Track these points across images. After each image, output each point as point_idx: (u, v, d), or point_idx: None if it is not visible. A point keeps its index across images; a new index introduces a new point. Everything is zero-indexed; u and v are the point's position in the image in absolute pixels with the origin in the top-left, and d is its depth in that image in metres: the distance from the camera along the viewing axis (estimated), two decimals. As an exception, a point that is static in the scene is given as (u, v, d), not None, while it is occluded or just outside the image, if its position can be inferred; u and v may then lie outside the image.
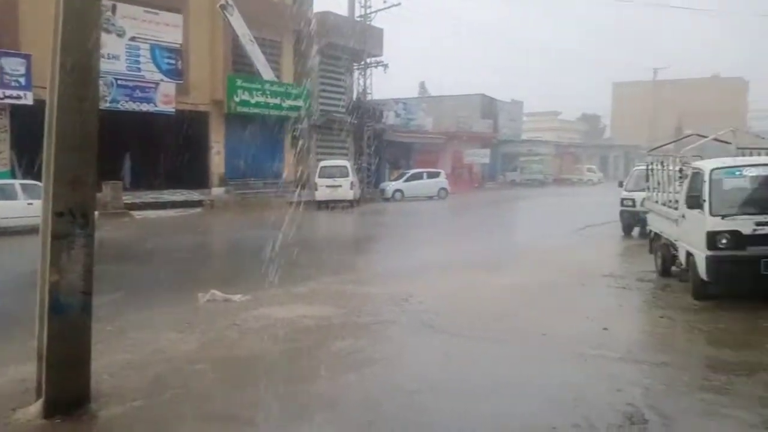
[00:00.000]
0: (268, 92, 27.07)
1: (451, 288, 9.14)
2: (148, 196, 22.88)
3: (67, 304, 4.30)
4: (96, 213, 5.02)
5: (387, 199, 30.77)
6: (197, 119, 24.97)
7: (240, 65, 26.67)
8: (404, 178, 32.51)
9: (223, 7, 25.02)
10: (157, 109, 22.99)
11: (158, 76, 23.07)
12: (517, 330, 6.81)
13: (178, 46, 23.63)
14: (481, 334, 6.68)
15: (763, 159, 8.95)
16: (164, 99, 23.19)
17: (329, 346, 6.17)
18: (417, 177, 32.49)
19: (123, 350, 5.95)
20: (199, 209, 22.74)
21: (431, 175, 33.06)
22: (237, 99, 25.89)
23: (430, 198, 31.34)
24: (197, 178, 25.18)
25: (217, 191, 25.65)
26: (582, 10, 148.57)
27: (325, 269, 10.57)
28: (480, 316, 7.42)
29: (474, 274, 10.42)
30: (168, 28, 23.33)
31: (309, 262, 11.01)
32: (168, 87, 23.32)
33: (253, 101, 26.42)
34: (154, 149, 23.29)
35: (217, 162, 26.44)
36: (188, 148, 24.07)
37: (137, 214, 20.44)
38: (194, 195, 24.14)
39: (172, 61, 23.56)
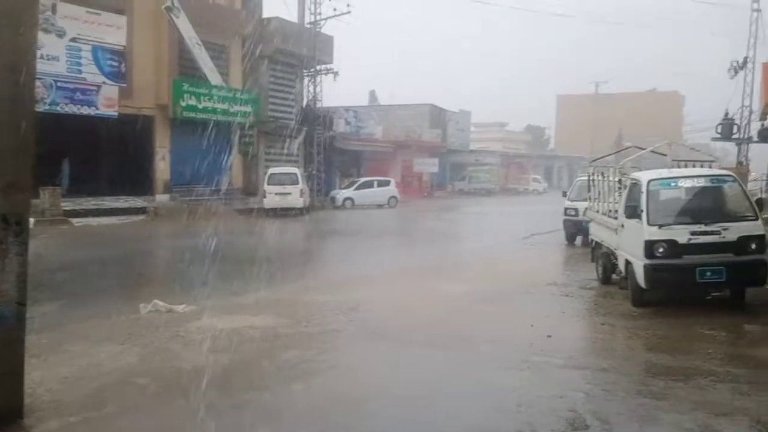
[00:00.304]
0: (215, 97, 26.63)
1: (400, 296, 9.19)
2: (89, 203, 22.11)
3: (0, 315, 4.11)
4: (32, 220, 4.82)
5: (337, 207, 30.70)
6: (141, 124, 24.30)
7: (187, 69, 26.16)
8: (355, 186, 32.51)
9: (169, 9, 24.50)
10: (98, 112, 22.27)
11: (100, 78, 22.37)
12: (465, 337, 6.89)
13: (121, 48, 22.99)
14: (428, 342, 6.72)
15: (696, 171, 9.37)
16: (106, 102, 22.50)
17: (276, 357, 6.09)
18: (367, 185, 32.55)
19: (59, 363, 5.71)
20: (142, 216, 22.11)
21: (381, 184, 33.18)
22: (183, 104, 25.36)
23: (381, 206, 31.44)
24: (141, 184, 24.50)
25: (161, 198, 25.01)
26: (527, 25, 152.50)
27: (272, 278, 10.43)
28: (428, 324, 7.47)
29: (423, 281, 10.51)
30: (111, 30, 22.67)
31: (256, 271, 10.84)
32: (110, 90, 22.64)
33: (200, 106, 25.93)
34: (96, 154, 22.57)
35: (162, 168, 25.80)
36: (132, 154, 23.43)
37: (77, 222, 19.72)
38: (138, 202, 23.47)
39: (115, 64, 22.90)
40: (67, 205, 20.68)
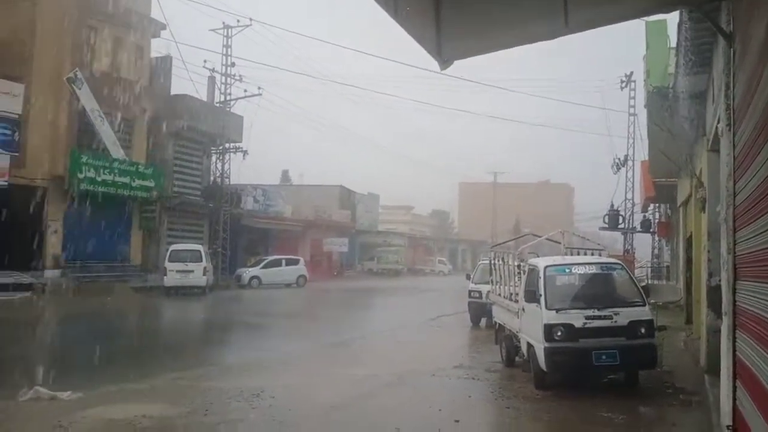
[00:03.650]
0: (116, 170, 25.71)
1: (305, 381, 8.90)
2: (-34, 278, 20.23)
3: None
4: None
5: (243, 286, 29.84)
6: (33, 195, 22.93)
7: (86, 141, 25.22)
8: (262, 264, 31.86)
9: (71, 80, 23.84)
10: (-14, 182, 20.87)
11: (-9, 146, 21.13)
12: (372, 423, 6.74)
13: (15, 116, 21.92)
14: (333, 429, 6.50)
15: (588, 258, 9.97)
16: (-4, 171, 21.16)
17: (170, 450, 5.66)
18: (275, 264, 32.00)
19: None
20: (28, 293, 20.42)
21: (290, 262, 32.72)
22: (81, 175, 24.27)
23: (289, 285, 30.88)
24: (29, 258, 22.74)
25: (51, 274, 23.33)
26: (430, 117, 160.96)
27: (169, 362, 9.86)
28: (333, 409, 7.25)
29: (329, 365, 10.27)
30: (6, 97, 21.65)
31: (151, 355, 10.23)
32: (1, 159, 21.37)
33: (99, 179, 24.90)
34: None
35: (53, 242, 24.24)
36: (21, 226, 21.89)
37: (-51, 299, 17.93)
38: (24, 278, 21.70)
39: (8, 132, 21.74)
40: (-60, 280, 18.84)
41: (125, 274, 25.90)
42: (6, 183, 21.42)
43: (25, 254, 22.48)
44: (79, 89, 24.07)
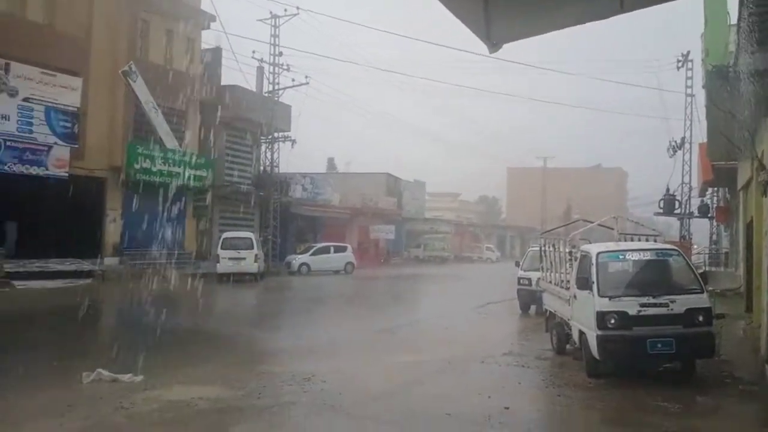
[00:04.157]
0: (170, 161, 26.44)
1: (355, 366, 9.01)
2: (34, 265, 21.23)
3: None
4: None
5: (293, 273, 30.31)
6: (93, 185, 23.84)
7: (142, 132, 26.03)
8: (311, 251, 32.27)
9: (126, 74, 24.57)
10: (48, 173, 21.76)
11: (52, 138, 21.99)
12: (421, 410, 6.76)
13: (75, 109, 22.75)
14: (383, 415, 6.57)
15: (643, 244, 9.70)
16: (57, 163, 22.04)
17: None
18: (324, 251, 32.37)
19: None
20: (89, 280, 21.31)
21: (338, 249, 33.04)
22: (137, 166, 25.08)
23: (337, 272, 31.21)
24: (90, 246, 23.73)
25: (110, 261, 24.25)
26: (479, 102, 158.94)
27: (224, 347, 10.13)
28: (383, 396, 7.32)
29: (378, 351, 10.35)
30: (65, 91, 22.48)
31: (207, 340, 10.53)
32: (62, 150, 22.23)
33: (154, 169, 25.68)
34: (44, 214, 21.87)
35: (112, 230, 25.17)
36: (82, 215, 22.83)
37: (19, 285, 18.86)
38: (85, 265, 22.65)
39: (68, 125, 22.59)
40: (11, 266, 19.83)
41: (179, 261, 26.62)
42: (67, 174, 22.30)
43: (85, 242, 23.45)
44: (134, 82, 24.78)
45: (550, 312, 10.65)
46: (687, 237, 30.24)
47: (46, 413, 6.12)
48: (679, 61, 30.30)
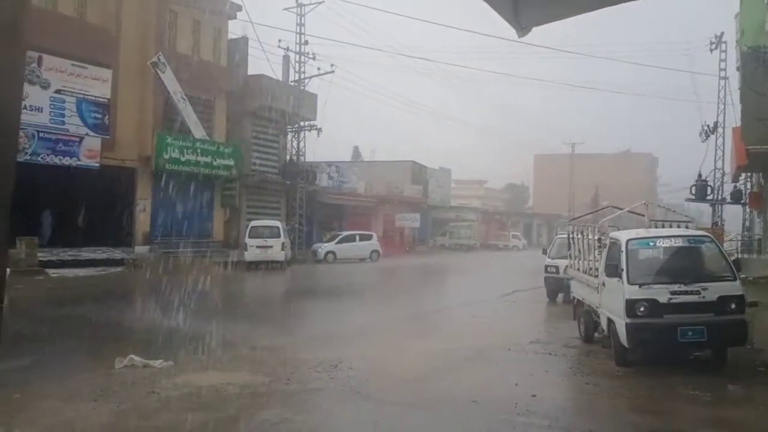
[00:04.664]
0: (198, 150, 26.76)
1: (382, 353, 9.05)
2: (67, 254, 21.75)
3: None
4: (8, 270, 4.72)
5: (319, 261, 30.53)
6: (123, 175, 24.25)
7: (170, 122, 26.34)
8: (337, 239, 32.46)
9: (155, 65, 24.87)
10: (80, 163, 22.21)
11: (83, 130, 22.41)
12: (448, 397, 6.77)
13: (105, 100, 23.14)
14: (410, 401, 6.59)
15: (674, 231, 9.53)
16: (88, 153, 22.47)
17: (254, 416, 5.92)
18: (349, 239, 32.52)
19: (30, 420, 5.49)
20: (120, 268, 21.77)
21: (363, 238, 33.17)
22: (166, 156, 25.43)
23: (363, 260, 31.34)
24: (121, 235, 24.24)
25: (141, 250, 24.71)
26: (505, 87, 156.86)
27: (252, 333, 10.26)
28: (410, 382, 7.35)
29: (405, 338, 10.38)
30: (96, 83, 22.87)
31: (235, 326, 10.66)
32: (93, 141, 22.66)
33: (183, 159, 26.01)
34: (76, 204, 22.34)
35: (142, 219, 25.61)
36: (112, 205, 23.29)
37: (53, 273, 19.34)
38: (116, 253, 23.15)
39: (99, 116, 23.00)
40: (44, 255, 20.33)
41: (208, 249, 26.98)
42: (98, 164, 22.72)
43: (117, 231, 23.92)
44: (163, 73, 25.08)
45: (578, 300, 10.55)
46: (719, 223, 29.64)
47: (80, 397, 6.28)
48: (712, 43, 29.55)
